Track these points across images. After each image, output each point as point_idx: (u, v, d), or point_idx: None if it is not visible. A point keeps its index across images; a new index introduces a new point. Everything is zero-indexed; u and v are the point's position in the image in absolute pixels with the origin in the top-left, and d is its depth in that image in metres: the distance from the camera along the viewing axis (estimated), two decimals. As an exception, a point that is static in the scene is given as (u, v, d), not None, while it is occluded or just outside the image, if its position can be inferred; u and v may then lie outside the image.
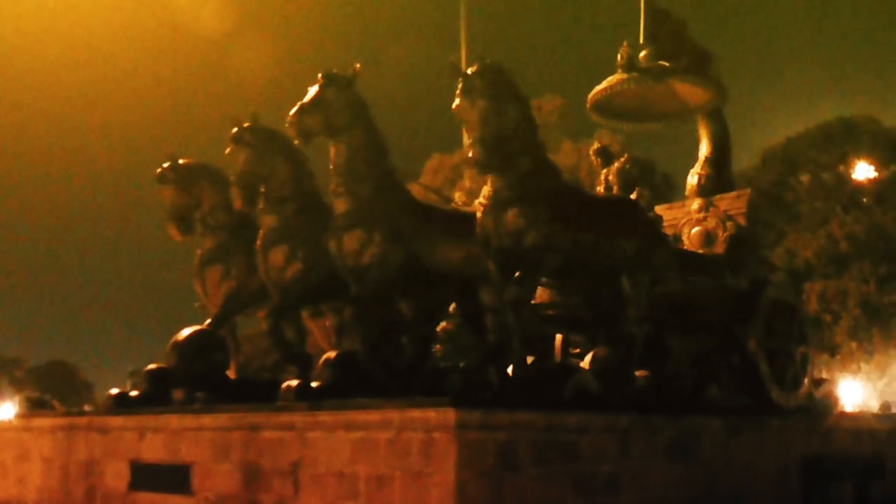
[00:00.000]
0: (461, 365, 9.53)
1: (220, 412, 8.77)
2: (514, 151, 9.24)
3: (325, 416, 7.81)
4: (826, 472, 10.38)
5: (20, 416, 12.02)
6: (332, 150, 10.07)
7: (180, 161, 11.81)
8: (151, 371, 10.60)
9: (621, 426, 8.27)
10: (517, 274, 9.11)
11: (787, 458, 10.06)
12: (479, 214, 9.41)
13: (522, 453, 7.39)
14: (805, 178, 30.31)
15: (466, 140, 9.47)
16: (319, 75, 9.98)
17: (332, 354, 9.03)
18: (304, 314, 11.53)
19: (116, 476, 9.54)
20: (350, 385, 8.72)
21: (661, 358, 12.10)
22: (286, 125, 9.83)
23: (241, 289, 11.45)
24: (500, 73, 9.23)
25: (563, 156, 29.92)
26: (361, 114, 10.08)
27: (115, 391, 10.59)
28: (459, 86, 9.06)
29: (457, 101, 9.10)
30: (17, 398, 43.40)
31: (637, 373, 11.45)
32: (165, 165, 11.73)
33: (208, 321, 11.32)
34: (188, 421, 8.99)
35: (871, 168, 29.05)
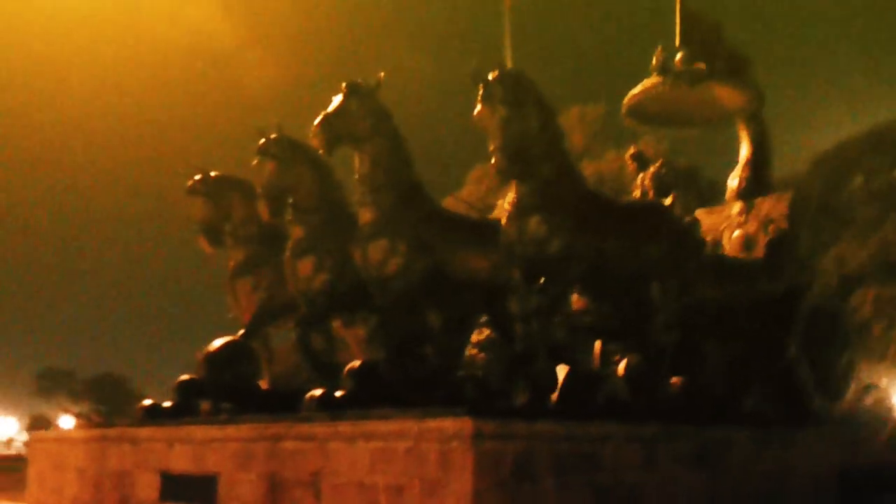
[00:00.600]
0: (481, 375, 9.43)
1: (243, 423, 8.81)
2: (537, 158, 9.17)
3: (344, 427, 7.80)
4: (865, 484, 10.13)
5: (56, 427, 12.17)
6: (357, 160, 10.11)
7: (211, 174, 11.94)
8: (182, 382, 10.70)
9: (646, 436, 8.14)
10: (541, 282, 9.05)
11: (824, 470, 9.82)
12: (502, 222, 9.37)
13: (541, 463, 7.31)
14: (858, 181, 29.66)
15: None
16: (343, 84, 10.03)
17: (354, 364, 9.03)
18: (338, 324, 11.57)
19: (147, 486, 9.64)
20: (373, 395, 8.70)
21: (695, 366, 11.95)
22: (310, 135, 9.89)
23: (272, 300, 11.52)
24: (520, 80, 9.17)
25: (606, 164, 29.65)
26: (385, 123, 10.10)
27: (147, 402, 10.71)
28: (479, 93, 9.03)
29: (477, 108, 9.07)
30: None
31: (672, 380, 11.37)
32: (196, 178, 11.86)
33: (240, 332, 11.41)
34: (213, 432, 9.05)
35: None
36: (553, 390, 8.97)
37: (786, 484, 9.40)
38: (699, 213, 14.86)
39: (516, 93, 9.05)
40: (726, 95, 14.17)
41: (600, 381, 10.56)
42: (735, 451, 8.97)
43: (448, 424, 7.01)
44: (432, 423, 7.13)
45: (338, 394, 8.63)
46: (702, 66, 13.90)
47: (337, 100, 9.97)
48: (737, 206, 13.91)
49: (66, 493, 10.76)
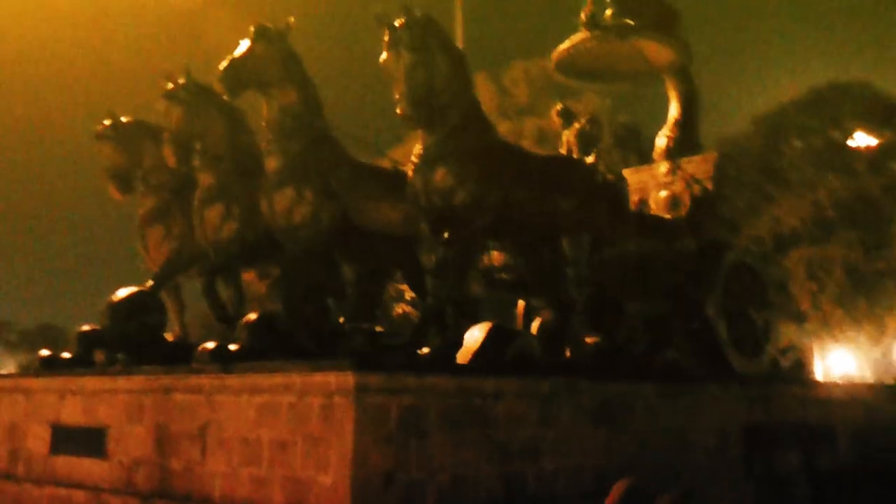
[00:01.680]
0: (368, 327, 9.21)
1: (135, 374, 8.53)
2: (444, 107, 8.89)
3: (232, 380, 7.58)
4: (769, 441, 10.13)
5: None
6: (265, 107, 9.80)
7: (122, 119, 11.54)
8: (82, 332, 10.37)
9: (542, 391, 8.01)
10: (445, 234, 8.84)
11: (727, 426, 9.79)
12: (408, 173, 9.12)
13: (430, 418, 7.14)
14: (796, 143, 29.81)
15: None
16: (251, 28, 9.68)
17: (250, 317, 8.76)
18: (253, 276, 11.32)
19: (38, 439, 9.36)
20: (271, 348, 8.47)
21: (613, 322, 11.87)
22: (215, 79, 9.55)
23: (183, 249, 11.18)
24: (428, 26, 8.86)
25: (549, 121, 29.45)
26: (294, 69, 9.77)
27: (44, 353, 10.38)
28: (385, 38, 8.73)
29: (383, 54, 8.77)
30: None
31: (588, 338, 11.28)
32: (106, 123, 11.46)
33: (149, 282, 11.09)
34: (105, 383, 8.78)
35: (870, 137, 28.61)
36: (457, 346, 8.81)
37: (689, 440, 9.33)
38: (626, 172, 14.78)
39: (423, 39, 8.74)
40: (654, 50, 13.96)
41: (511, 337, 10.46)
42: (638, 407, 8.86)
43: (331, 378, 6.82)
44: (316, 377, 6.93)
45: (232, 347, 8.37)
46: (629, 21, 13.69)
47: (244, 44, 9.62)
48: (664, 166, 13.80)
49: (-40, 445, 10.44)
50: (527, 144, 28.95)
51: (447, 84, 8.91)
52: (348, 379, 6.70)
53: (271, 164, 9.63)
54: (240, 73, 9.45)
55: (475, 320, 9.54)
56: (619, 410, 8.66)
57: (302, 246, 9.49)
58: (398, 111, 8.68)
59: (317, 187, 9.52)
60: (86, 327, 10.43)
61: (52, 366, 10.09)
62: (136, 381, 8.43)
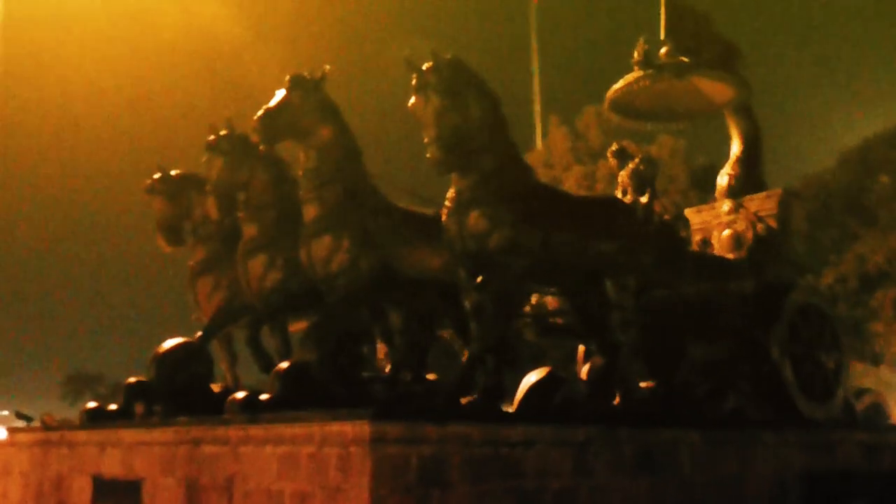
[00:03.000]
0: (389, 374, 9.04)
1: (168, 426, 8.51)
2: (478, 150, 8.76)
3: (255, 430, 7.49)
4: (833, 491, 9.59)
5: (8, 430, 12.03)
6: (302, 156, 9.83)
7: (171, 172, 11.73)
8: (129, 384, 10.45)
9: (577, 439, 7.70)
10: (479, 279, 8.66)
11: (785, 475, 9.30)
12: (443, 218, 8.99)
13: (453, 468, 6.91)
14: (884, 179, 28.88)
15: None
16: (287, 78, 9.74)
17: (282, 365, 8.68)
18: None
19: (80, 491, 9.41)
20: (303, 398, 8.35)
21: (670, 366, 11.52)
22: (251, 130, 9.63)
23: (233, 300, 11.22)
24: (458, 69, 8.77)
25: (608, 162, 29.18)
26: (331, 116, 9.80)
27: (91, 405, 10.47)
28: (413, 82, 8.66)
29: (412, 98, 8.70)
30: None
31: (642, 384, 10.94)
32: (155, 177, 11.66)
33: (198, 333, 11.14)
34: (141, 435, 8.79)
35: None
36: (498, 393, 8.59)
37: (742, 490, 8.88)
38: (689, 212, 14.46)
39: (452, 82, 8.65)
40: (712, 88, 13.70)
41: (560, 383, 10.19)
42: (683, 455, 8.47)
43: (347, 428, 6.66)
44: (334, 427, 6.78)
45: (263, 396, 8.29)
46: (684, 59, 13.45)
47: (280, 93, 9.69)
48: (726, 205, 13.47)
49: (11, 499, 10.57)
50: (600, 188, 28.69)
51: (480, 127, 8.79)
52: (364, 429, 6.53)
53: (309, 212, 9.63)
54: (275, 123, 9.51)
55: (517, 367, 9.34)
56: (662, 459, 8.29)
57: (341, 294, 9.42)
58: (428, 155, 8.58)
59: (355, 235, 9.48)
60: (132, 379, 10.50)
61: (96, 418, 10.16)
62: (168, 432, 8.41)
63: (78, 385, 51.12)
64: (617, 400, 9.52)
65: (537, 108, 33.42)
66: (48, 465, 10.06)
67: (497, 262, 8.65)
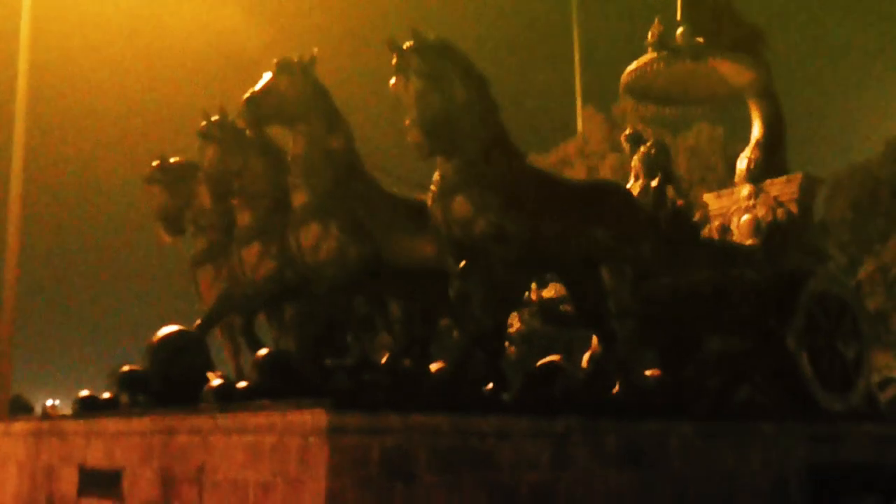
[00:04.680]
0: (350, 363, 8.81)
1: (146, 415, 8.40)
2: (463, 134, 8.49)
3: (223, 420, 7.33)
4: (839, 485, 9.18)
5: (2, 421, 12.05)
6: (291, 141, 9.66)
7: (170, 160, 11.61)
8: (122, 373, 10.34)
9: (556, 431, 7.42)
10: (461, 265, 8.41)
11: (786, 469, 8.93)
12: (428, 203, 8.75)
13: (419, 460, 6.69)
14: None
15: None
16: (274, 62, 9.57)
17: (261, 353, 8.50)
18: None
19: (67, 481, 9.35)
20: (281, 387, 8.17)
21: (679, 358, 11.21)
22: (237, 115, 9.48)
23: (233, 289, 11.10)
24: (441, 50, 8.49)
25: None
26: (320, 102, 9.59)
27: (83, 393, 10.39)
28: (393, 63, 8.42)
29: (392, 79, 8.47)
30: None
31: (648, 373, 10.64)
32: (154, 165, 11.55)
33: (197, 323, 11.02)
34: (121, 425, 8.69)
35: None
36: (483, 381, 8.35)
37: (739, 483, 8.54)
38: (708, 197, 14.11)
39: (434, 63, 8.39)
40: (731, 71, 13.27)
41: (557, 373, 9.91)
42: (672, 447, 8.15)
43: (307, 418, 6.47)
44: (293, 417, 6.60)
45: (240, 385, 8.13)
46: (700, 40, 13.06)
47: (266, 77, 9.51)
48: (745, 189, 13.10)
49: (8, 489, 10.57)
50: (636, 176, 28.10)
51: (465, 110, 8.51)
52: (322, 418, 6.34)
53: (298, 199, 9.46)
54: (261, 107, 9.33)
55: (501, 356, 9.08)
56: (650, 451, 7.98)
57: (328, 283, 9.25)
58: (408, 139, 8.34)
59: (344, 223, 9.29)
60: (125, 367, 10.40)
61: (87, 408, 10.09)
62: (146, 422, 8.30)
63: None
64: (616, 390, 9.25)
65: (578, 97, 32.81)
66: (40, 455, 10.04)
67: (483, 249, 8.40)
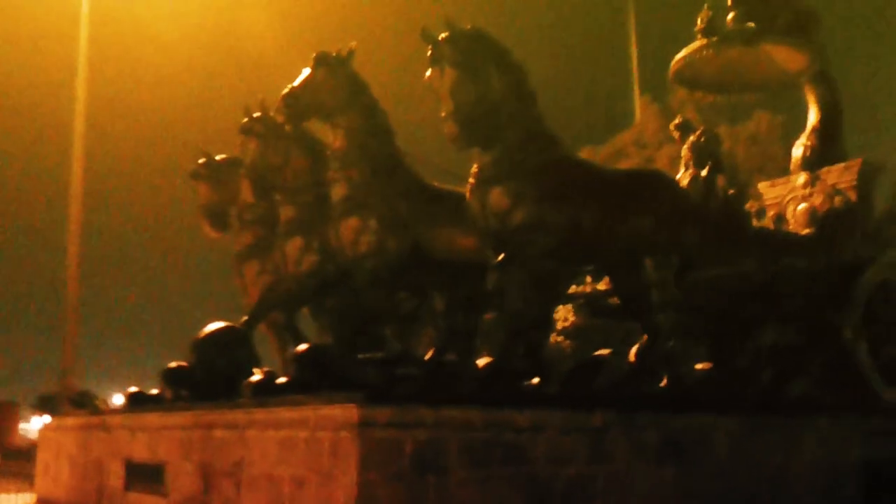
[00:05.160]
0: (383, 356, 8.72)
1: (187, 410, 8.46)
2: (500, 124, 8.39)
3: (259, 414, 7.36)
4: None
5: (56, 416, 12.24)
6: (331, 135, 9.67)
7: (215, 157, 11.72)
8: (168, 370, 10.44)
9: (593, 425, 7.30)
10: (500, 257, 8.32)
11: (840, 464, 8.68)
12: (467, 195, 8.67)
13: (451, 454, 6.62)
14: None
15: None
16: (313, 56, 9.57)
17: (300, 348, 8.49)
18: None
19: (115, 475, 9.47)
20: (321, 381, 8.15)
21: (731, 350, 10.97)
22: (276, 109, 9.51)
23: (278, 283, 11.14)
24: (476, 40, 8.40)
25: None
26: (358, 95, 9.60)
27: (132, 389, 10.52)
28: (429, 54, 8.35)
29: (427, 71, 8.39)
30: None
31: (698, 366, 10.44)
32: (200, 162, 11.66)
33: (243, 318, 11.09)
34: (164, 419, 8.78)
35: None
36: (522, 375, 8.24)
37: (789, 478, 8.32)
38: (762, 186, 13.78)
39: (469, 53, 8.30)
40: (784, 56, 12.93)
41: (599, 366, 9.75)
42: (718, 441, 7.97)
43: (338, 412, 6.45)
44: (325, 411, 6.59)
45: (280, 380, 8.13)
46: (751, 25, 12.74)
47: (305, 72, 9.53)
48: (802, 178, 12.77)
49: (61, 482, 10.76)
50: (693, 167, 27.63)
51: (502, 101, 8.41)
52: (352, 412, 6.32)
53: (337, 193, 9.47)
54: (300, 102, 9.37)
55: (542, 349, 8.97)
56: (692, 446, 7.81)
57: (368, 276, 9.24)
58: (445, 130, 8.27)
59: (383, 216, 9.28)
60: (172, 364, 10.50)
61: (136, 402, 10.22)
62: (187, 416, 8.36)
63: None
64: (664, 383, 9.08)
65: (636, 87, 32.42)
66: (90, 449, 10.19)
67: (521, 241, 8.29)
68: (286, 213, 10.35)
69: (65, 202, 22.00)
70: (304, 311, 11.23)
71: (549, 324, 10.14)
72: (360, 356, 8.02)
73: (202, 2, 28.50)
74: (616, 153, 30.45)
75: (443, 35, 8.31)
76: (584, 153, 29.77)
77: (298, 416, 6.86)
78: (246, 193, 11.36)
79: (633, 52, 33.73)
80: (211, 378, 10.32)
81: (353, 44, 9.64)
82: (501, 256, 8.28)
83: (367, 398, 6.39)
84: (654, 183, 9.38)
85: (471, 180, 8.60)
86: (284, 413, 7.03)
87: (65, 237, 21.78)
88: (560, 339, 21.94)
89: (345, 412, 6.38)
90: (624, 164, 26.71)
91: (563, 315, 21.24)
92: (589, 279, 11.60)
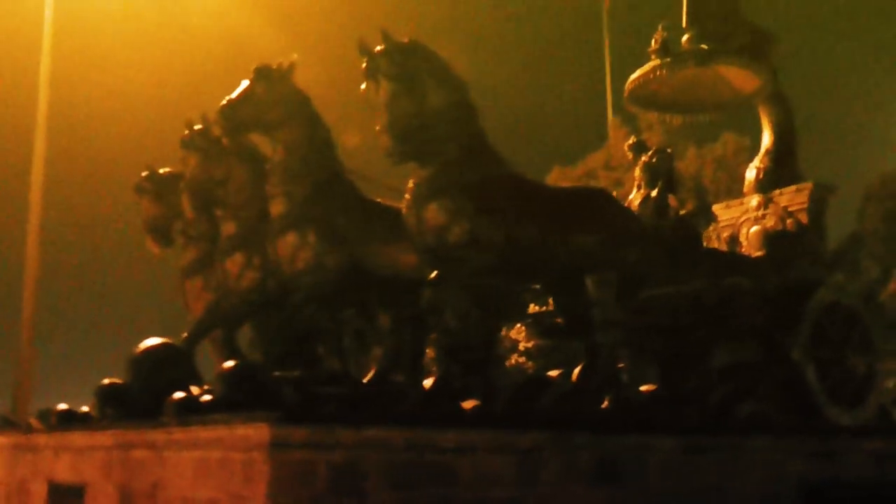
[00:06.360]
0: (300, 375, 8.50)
1: (108, 429, 8.19)
2: (437, 139, 8.21)
3: (178, 434, 7.10)
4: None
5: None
6: (271, 150, 9.46)
7: (159, 171, 11.47)
8: (102, 387, 10.15)
9: (522, 446, 7.09)
10: (432, 275, 8.12)
11: (779, 486, 8.50)
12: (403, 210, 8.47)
13: (372, 476, 6.38)
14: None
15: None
16: (253, 69, 9.37)
17: (226, 366, 8.24)
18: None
19: (38, 497, 9.17)
20: (248, 400, 7.90)
21: (679, 370, 10.83)
22: (213, 122, 9.31)
23: (221, 301, 10.89)
24: (413, 53, 8.23)
25: (687, 163, 28.03)
26: (300, 109, 9.38)
27: (62, 406, 10.20)
28: (363, 67, 8.18)
29: (363, 84, 8.22)
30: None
31: (643, 388, 10.30)
32: (143, 175, 11.41)
33: (184, 335, 10.83)
34: (86, 439, 8.50)
35: None
36: (452, 395, 8.03)
37: (727, 502, 8.14)
38: (717, 208, 13.70)
39: (406, 66, 8.13)
40: (737, 77, 12.87)
41: (545, 385, 9.56)
42: (653, 463, 7.77)
43: (250, 432, 6.21)
44: (238, 431, 6.35)
45: (205, 398, 7.86)
46: (705, 46, 12.68)
47: (243, 84, 9.32)
48: (755, 200, 12.70)
49: (-12, 503, 10.43)
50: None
51: (439, 115, 8.23)
52: (264, 432, 6.07)
53: (276, 208, 9.24)
54: (237, 115, 9.14)
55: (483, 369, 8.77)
56: (627, 467, 7.61)
57: (306, 293, 9.03)
58: (380, 144, 8.08)
59: (322, 232, 9.05)
60: (105, 381, 10.21)
61: (63, 421, 9.90)
62: (108, 436, 8.09)
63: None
64: (602, 405, 8.89)
65: (609, 109, 32.45)
66: (16, 470, 9.89)
67: (457, 258, 8.10)
68: (227, 228, 10.10)
69: (24, 215, 21.69)
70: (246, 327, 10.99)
71: (492, 343, 9.90)
72: (277, 374, 7.76)
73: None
74: (586, 174, 30.45)
75: (378, 48, 8.14)
76: (555, 174, 29.78)
77: (214, 435, 6.62)
78: (188, 208, 11.13)
79: (608, 73, 33.78)
80: (146, 396, 10.07)
81: (294, 56, 9.44)
82: (435, 274, 8.08)
83: (283, 418, 6.16)
84: (595, 200, 9.23)
85: (407, 196, 8.41)
86: (201, 433, 6.79)
87: (23, 250, 21.46)
88: (522, 360, 21.87)
89: (257, 432, 6.14)
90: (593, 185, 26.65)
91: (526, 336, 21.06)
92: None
